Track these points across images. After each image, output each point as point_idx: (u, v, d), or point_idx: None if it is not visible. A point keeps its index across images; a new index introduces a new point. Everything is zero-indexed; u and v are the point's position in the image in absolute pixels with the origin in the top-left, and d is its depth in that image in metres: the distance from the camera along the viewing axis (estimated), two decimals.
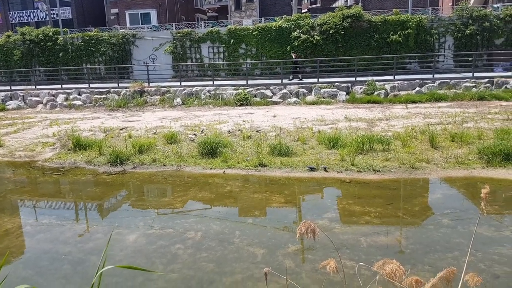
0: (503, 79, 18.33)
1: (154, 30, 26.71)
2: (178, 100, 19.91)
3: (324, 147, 10.72)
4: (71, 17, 36.05)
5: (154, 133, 13.14)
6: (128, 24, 32.29)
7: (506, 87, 17.82)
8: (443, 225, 6.51)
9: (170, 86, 21.21)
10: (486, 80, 18.46)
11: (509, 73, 18.97)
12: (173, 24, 26.79)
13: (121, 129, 14.14)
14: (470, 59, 20.43)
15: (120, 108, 19.35)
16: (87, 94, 21.64)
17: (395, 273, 2.10)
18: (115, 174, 9.98)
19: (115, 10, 35.75)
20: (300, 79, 20.78)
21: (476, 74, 19.04)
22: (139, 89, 21.15)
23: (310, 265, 5.33)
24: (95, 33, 25.98)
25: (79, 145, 11.80)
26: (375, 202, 7.54)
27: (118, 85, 22.09)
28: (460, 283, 2.39)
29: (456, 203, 7.62)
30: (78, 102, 21.02)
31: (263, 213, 7.43)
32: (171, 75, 24.59)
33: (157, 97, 20.54)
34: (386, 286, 2.45)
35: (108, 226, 7.00)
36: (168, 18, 33.51)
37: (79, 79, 25.80)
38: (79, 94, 21.95)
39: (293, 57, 21.50)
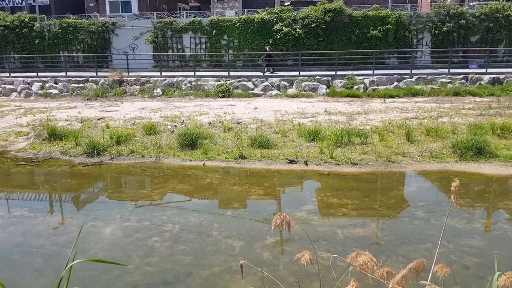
0: (477, 75, 18.79)
1: (135, 19, 26.20)
2: (158, 90, 19.67)
3: (304, 140, 10.80)
4: (48, 3, 34.97)
5: (133, 123, 12.97)
6: (108, 12, 31.56)
7: (480, 84, 18.28)
8: (417, 217, 6.68)
9: (150, 76, 20.91)
10: (461, 76, 18.89)
11: (483, 70, 19.46)
12: (155, 13, 26.33)
13: (99, 119, 13.89)
14: (446, 55, 20.85)
15: (98, 98, 18.99)
16: (64, 83, 21.12)
17: (367, 264, 2.14)
18: (91, 165, 9.81)
19: None
20: (272, 72, 20.76)
21: (452, 70, 19.45)
22: (118, 79, 20.78)
23: (288, 257, 5.39)
24: (73, 21, 25.32)
25: (54, 135, 11.54)
26: (352, 194, 7.67)
27: (96, 74, 21.64)
28: (430, 274, 2.46)
29: (430, 196, 7.82)
30: (55, 91, 20.51)
31: (242, 205, 7.46)
32: (151, 65, 24.22)
33: (136, 87, 20.23)
34: (360, 277, 2.50)
35: (84, 218, 6.90)
36: (149, 7, 32.91)
37: (55, 67, 25.12)
38: (56, 83, 21.41)
39: (267, 49, 21.53)
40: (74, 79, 21.40)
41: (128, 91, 19.97)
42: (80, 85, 20.81)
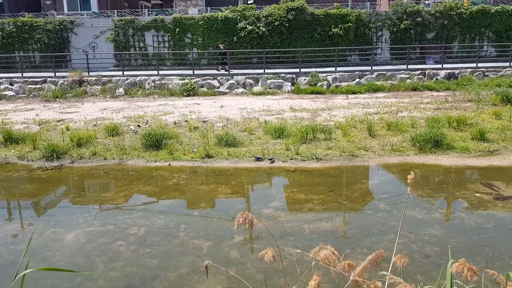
0: (434, 71, 19.58)
1: (95, 17, 25.41)
2: (121, 90, 19.20)
3: (270, 137, 10.88)
4: (1, 1, 33.33)
5: (95, 125, 12.60)
6: (65, 10, 30.45)
7: (436, 79, 19.05)
8: (380, 209, 6.88)
9: (112, 76, 20.36)
10: (419, 72, 19.62)
11: (439, 66, 20.28)
12: (115, 11, 25.65)
13: (58, 121, 13.40)
14: (404, 52, 21.55)
15: (57, 99, 18.30)
16: (20, 84, 20.19)
17: (328, 258, 2.19)
18: (51, 169, 9.46)
19: None
20: (226, 70, 20.75)
21: (410, 66, 20.15)
22: (78, 79, 20.10)
23: (256, 255, 5.41)
24: (29, 19, 24.23)
25: (10, 139, 11.02)
26: (318, 189, 7.80)
27: (55, 75, 20.84)
28: (390, 265, 2.55)
29: (392, 188, 8.08)
30: (10, 93, 19.57)
31: (210, 205, 7.42)
32: (113, 64, 23.59)
33: (97, 87, 19.66)
34: (327, 270, 2.55)
35: (44, 225, 6.65)
36: (109, 4, 32.02)
37: (10, 67, 23.98)
38: (11, 84, 20.44)
39: (221, 48, 21.55)
40: (31, 80, 20.51)
41: (89, 92, 19.37)
42: (37, 86, 19.97)
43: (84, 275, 4.97)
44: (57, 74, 20.93)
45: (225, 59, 21.25)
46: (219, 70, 20.74)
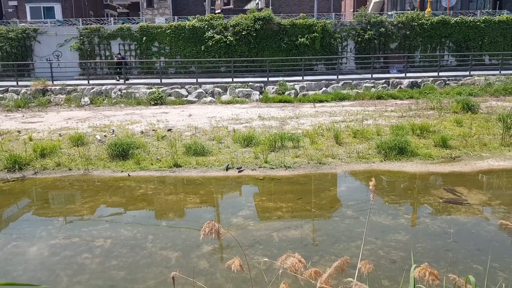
0: (397, 80, 20.27)
1: (59, 25, 24.75)
2: (86, 99, 18.73)
3: (239, 146, 10.89)
4: None
5: (59, 135, 12.21)
6: (28, 18, 29.54)
7: (400, 87, 19.72)
8: (347, 216, 7.01)
9: (76, 85, 19.85)
10: (383, 80, 20.25)
11: (402, 75, 21.02)
12: (80, 19, 25.10)
13: (19, 131, 12.90)
14: (369, 61, 22.21)
15: (19, 109, 17.63)
16: None
17: (295, 266, 2.22)
18: (12, 181, 9.08)
19: (14, 3, 32.45)
20: (125, 80, 20.75)
21: (374, 75, 20.77)
22: (42, 88, 19.47)
23: (225, 264, 5.38)
24: None
25: None
26: (287, 197, 7.87)
27: (17, 84, 20.11)
28: (356, 271, 2.60)
29: (358, 194, 8.25)
30: None
31: (178, 215, 7.33)
32: (78, 73, 23.01)
33: (62, 96, 19.09)
34: (293, 278, 2.57)
35: (6, 238, 6.37)
36: (74, 13, 31.31)
37: None
38: None
39: (116, 58, 21.61)
40: None
41: (53, 101, 18.79)
42: None
43: None
44: (20, 83, 20.22)
45: (119, 69, 21.34)
46: (118, 80, 20.66)
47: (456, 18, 23.77)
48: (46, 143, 10.85)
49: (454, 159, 9.91)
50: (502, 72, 20.66)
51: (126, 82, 20.31)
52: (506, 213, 7.10)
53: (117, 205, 7.70)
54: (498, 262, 5.27)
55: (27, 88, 19.47)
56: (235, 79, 20.32)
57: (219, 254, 5.76)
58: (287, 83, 19.72)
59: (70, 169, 9.62)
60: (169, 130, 12.64)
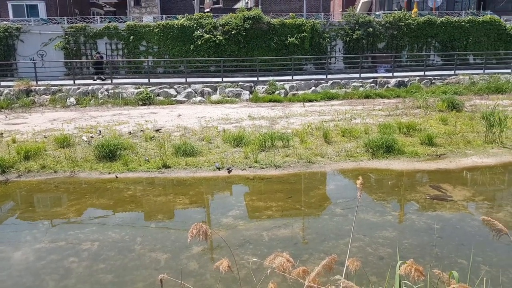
0: (385, 79, 20.45)
1: (43, 24, 24.36)
2: (72, 99, 18.48)
3: (229, 146, 10.86)
4: None
5: (44, 136, 12.03)
6: (11, 17, 29.01)
7: (387, 87, 19.89)
8: (336, 214, 7.05)
9: (62, 85, 19.56)
10: (371, 80, 20.41)
11: (390, 74, 21.21)
12: (65, 17, 24.75)
13: (3, 133, 12.68)
14: (357, 61, 22.36)
15: (2, 110, 17.32)
16: None
17: (283, 265, 2.21)
18: None
19: None
20: (102, 80, 20.71)
21: (362, 75, 20.93)
22: (26, 88, 19.14)
23: (213, 265, 5.36)
24: None
25: None
26: (277, 196, 7.87)
27: None
28: (344, 268, 2.61)
29: (347, 192, 8.29)
30: None
31: (168, 216, 7.28)
32: (63, 72, 22.68)
33: (47, 97, 18.81)
34: (282, 277, 2.57)
35: None
36: (59, 11, 30.86)
37: None
38: None
39: (95, 58, 21.58)
40: None
41: (37, 102, 18.50)
42: None
43: None
44: (2, 83, 19.84)
45: (100, 68, 21.27)
46: (95, 80, 20.55)
47: (441, 18, 24.06)
48: (31, 145, 10.68)
49: (439, 156, 10.03)
50: (486, 71, 21.02)
51: (104, 81, 20.23)
52: (489, 208, 7.23)
53: (104, 207, 7.62)
54: (482, 256, 5.37)
55: (10, 88, 19.14)
56: (224, 79, 20.26)
57: (209, 254, 5.73)
58: (277, 82, 19.74)
59: (55, 172, 9.47)
60: (157, 130, 12.55)
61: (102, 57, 21.66)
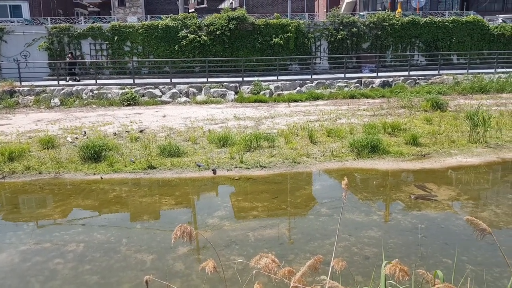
0: (369, 79, 20.68)
1: (27, 24, 23.96)
2: (56, 100, 18.23)
3: (215, 146, 10.86)
4: None
5: (28, 137, 11.85)
6: None
7: (372, 87, 20.11)
8: (321, 214, 7.12)
9: (46, 86, 19.28)
10: (356, 80, 20.61)
11: (374, 74, 21.46)
12: (49, 18, 24.38)
13: None
14: (342, 61, 22.55)
15: None
16: None
17: (268, 266, 2.24)
18: None
19: None
20: (78, 81, 20.62)
21: (347, 75, 21.11)
22: (9, 89, 18.82)
23: (199, 266, 5.37)
24: None
25: None
26: (263, 197, 7.91)
27: None
28: (330, 268, 2.66)
29: (332, 192, 8.38)
30: None
31: (153, 217, 7.25)
32: (47, 73, 22.34)
33: (31, 97, 18.51)
34: (269, 278, 2.60)
35: None
36: (42, 11, 30.40)
37: None
38: None
39: (68, 58, 21.50)
40: None
41: (21, 103, 18.20)
42: None
43: None
44: None
45: (73, 69, 21.19)
46: (68, 81, 20.42)
47: (425, 19, 24.41)
48: (15, 146, 10.52)
49: (424, 156, 10.19)
50: (470, 71, 21.41)
51: (79, 82, 20.14)
52: (473, 207, 7.37)
53: (90, 209, 7.55)
54: (466, 255, 5.48)
55: None
56: (210, 79, 20.23)
57: (195, 255, 5.74)
58: (262, 83, 19.79)
59: (40, 173, 9.36)
60: (142, 131, 12.47)
61: (75, 58, 21.60)
